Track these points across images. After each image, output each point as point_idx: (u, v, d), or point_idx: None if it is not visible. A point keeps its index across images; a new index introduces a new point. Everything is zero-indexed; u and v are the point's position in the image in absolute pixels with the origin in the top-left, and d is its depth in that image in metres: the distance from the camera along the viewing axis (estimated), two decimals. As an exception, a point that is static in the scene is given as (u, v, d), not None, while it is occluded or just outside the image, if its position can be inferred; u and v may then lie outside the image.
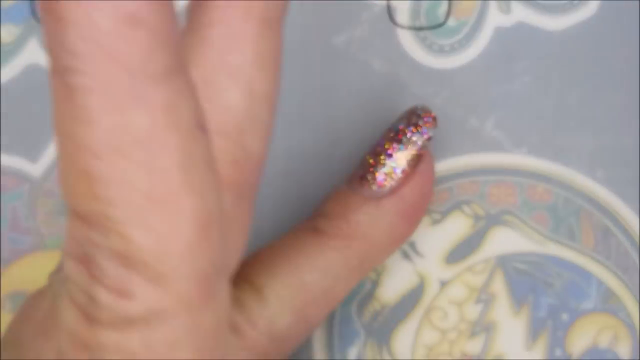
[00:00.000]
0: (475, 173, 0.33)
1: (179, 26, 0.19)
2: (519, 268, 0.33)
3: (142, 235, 0.19)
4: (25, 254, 0.34)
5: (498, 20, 0.33)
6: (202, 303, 0.20)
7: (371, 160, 0.30)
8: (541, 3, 0.33)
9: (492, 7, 0.33)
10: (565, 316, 0.33)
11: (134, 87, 0.18)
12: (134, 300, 0.19)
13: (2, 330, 0.31)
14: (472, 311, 0.33)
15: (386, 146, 0.30)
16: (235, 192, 0.23)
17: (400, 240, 0.30)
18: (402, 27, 0.33)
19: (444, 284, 0.33)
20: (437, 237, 0.33)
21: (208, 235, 0.20)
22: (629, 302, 0.33)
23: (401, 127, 0.30)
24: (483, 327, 0.33)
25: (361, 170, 0.30)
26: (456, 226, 0.33)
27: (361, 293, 0.33)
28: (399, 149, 0.30)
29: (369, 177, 0.30)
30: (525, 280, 0.33)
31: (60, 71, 0.18)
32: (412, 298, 0.33)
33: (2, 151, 0.34)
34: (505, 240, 0.33)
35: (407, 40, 0.33)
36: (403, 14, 0.33)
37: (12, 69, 0.34)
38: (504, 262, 0.33)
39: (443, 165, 0.32)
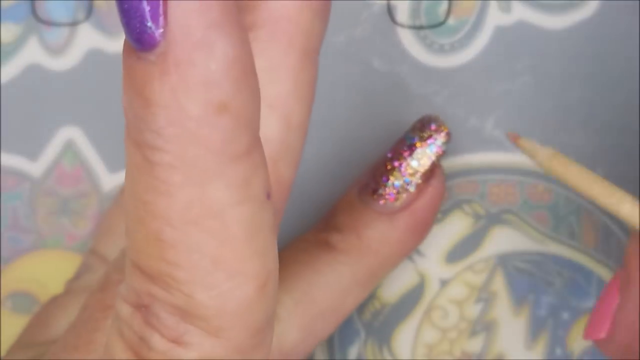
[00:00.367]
0: (476, 172, 0.33)
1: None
2: (519, 267, 0.33)
3: (204, 294, 0.20)
4: (25, 253, 0.34)
5: (498, 19, 0.33)
6: (253, 351, 0.21)
7: (384, 175, 0.30)
8: (541, 2, 0.33)
9: (492, 6, 0.33)
10: (565, 315, 0.33)
11: (214, 165, 0.19)
12: (190, 348, 0.20)
13: (3, 330, 0.31)
14: (473, 310, 0.33)
15: (399, 160, 0.30)
16: None
17: (408, 253, 0.31)
18: (402, 26, 0.33)
19: (444, 283, 0.33)
20: (437, 236, 0.33)
21: (266, 292, 0.20)
22: (629, 301, 0.33)
23: (415, 141, 0.30)
24: (483, 326, 0.33)
25: (373, 184, 0.30)
26: (456, 225, 0.33)
27: (362, 292, 0.33)
28: (412, 165, 0.30)
29: (382, 191, 0.30)
30: (526, 279, 0.33)
31: (142, 145, 0.19)
32: (412, 297, 0.33)
33: (2, 150, 0.34)
34: (505, 239, 0.33)
35: (408, 39, 0.33)
36: (403, 13, 0.33)
37: (12, 69, 0.34)
38: (505, 261, 0.33)
39: (443, 164, 0.32)
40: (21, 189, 0.34)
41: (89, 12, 0.34)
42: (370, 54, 0.33)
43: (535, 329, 0.33)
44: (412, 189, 0.30)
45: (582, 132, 0.33)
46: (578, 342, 0.32)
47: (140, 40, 0.18)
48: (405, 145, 0.30)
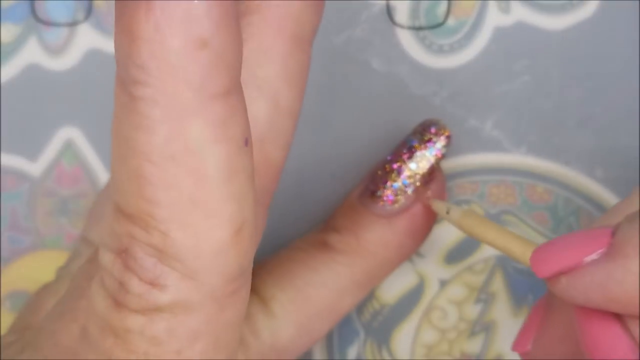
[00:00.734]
0: (475, 173, 0.33)
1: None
2: (518, 268, 0.33)
3: (181, 234, 0.21)
4: (25, 254, 0.34)
5: (497, 19, 0.33)
6: (226, 299, 0.22)
7: (383, 177, 0.30)
8: (541, 3, 0.33)
9: (492, 6, 0.33)
10: (564, 316, 0.33)
11: (193, 101, 0.20)
12: (165, 290, 0.21)
13: (2, 330, 0.31)
14: (472, 311, 0.33)
15: (399, 163, 0.30)
16: None
17: (407, 256, 0.31)
18: (402, 26, 0.33)
19: (443, 284, 0.33)
20: (436, 237, 0.33)
21: (240, 239, 0.21)
22: (629, 302, 0.33)
23: (414, 144, 0.30)
24: (483, 327, 0.33)
25: (372, 187, 0.30)
26: (456, 226, 0.33)
27: (361, 293, 0.33)
28: (411, 167, 0.30)
29: (380, 194, 0.30)
30: (525, 279, 0.33)
31: (127, 82, 0.20)
32: (411, 298, 0.33)
33: (1, 150, 0.34)
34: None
35: (407, 40, 0.33)
36: (402, 13, 0.33)
37: (11, 69, 0.34)
38: (504, 262, 0.33)
39: (442, 165, 0.32)
40: (20, 189, 0.34)
41: (89, 12, 0.34)
42: (370, 55, 0.33)
43: (534, 330, 0.33)
44: (410, 191, 0.30)
45: (581, 132, 0.33)
46: None
47: None
48: (405, 148, 0.30)
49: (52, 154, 0.34)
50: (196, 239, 0.21)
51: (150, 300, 0.21)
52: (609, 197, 0.32)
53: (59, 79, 0.34)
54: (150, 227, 0.21)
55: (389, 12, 0.33)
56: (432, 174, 0.30)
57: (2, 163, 0.34)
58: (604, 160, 0.32)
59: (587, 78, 0.32)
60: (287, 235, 0.32)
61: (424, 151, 0.30)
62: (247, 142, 0.21)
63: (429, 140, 0.30)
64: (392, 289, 0.33)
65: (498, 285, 0.33)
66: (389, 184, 0.30)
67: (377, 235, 0.30)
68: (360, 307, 0.33)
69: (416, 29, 0.33)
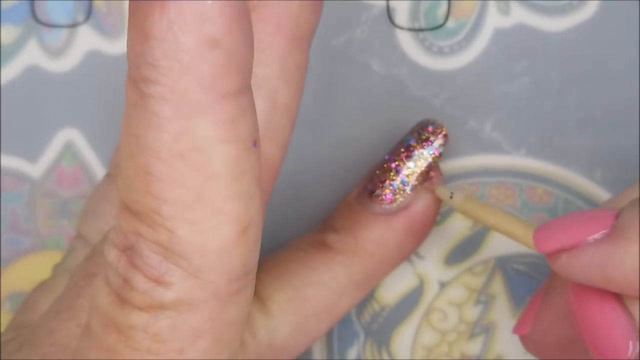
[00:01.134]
0: (475, 174, 0.33)
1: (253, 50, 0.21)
2: (518, 269, 0.33)
3: (187, 231, 0.21)
4: (25, 255, 0.34)
5: (497, 21, 0.33)
6: (230, 298, 0.22)
7: (381, 176, 0.30)
8: (540, 4, 0.33)
9: (492, 8, 0.33)
10: (564, 317, 0.33)
11: (204, 100, 0.20)
12: (170, 288, 0.21)
13: (3, 328, 0.31)
14: (472, 312, 0.33)
15: (396, 162, 0.30)
16: None
17: (406, 256, 0.31)
18: (402, 28, 0.33)
19: (443, 285, 0.33)
20: (436, 239, 0.33)
21: (246, 238, 0.21)
22: (628, 303, 0.33)
23: (412, 143, 0.30)
24: (483, 328, 0.33)
25: (371, 186, 0.30)
26: (456, 227, 0.33)
27: (361, 294, 0.33)
28: (409, 166, 0.30)
29: (379, 193, 0.30)
30: (525, 281, 0.33)
31: (138, 80, 0.20)
32: (411, 299, 0.33)
33: (2, 152, 0.34)
34: (504, 242, 0.33)
35: (407, 42, 0.33)
36: (402, 15, 0.33)
37: (11, 70, 0.34)
38: (504, 263, 0.33)
39: (442, 167, 0.32)
40: (21, 190, 0.34)
41: (89, 13, 0.34)
42: (370, 56, 0.33)
43: (534, 331, 0.33)
44: (408, 190, 0.30)
45: (581, 134, 0.33)
46: None
47: None
48: (402, 147, 0.30)
49: (52, 156, 0.34)
50: (202, 237, 0.21)
51: (155, 297, 0.21)
52: (608, 199, 0.32)
53: (58, 80, 0.34)
54: (157, 225, 0.21)
55: (389, 13, 0.33)
56: (429, 173, 0.30)
57: (2, 164, 0.34)
58: (604, 161, 0.32)
59: (587, 80, 0.32)
60: (287, 235, 0.33)
61: (421, 150, 0.30)
62: (255, 143, 0.21)
63: (427, 140, 0.30)
64: (392, 291, 0.33)
65: (498, 286, 0.33)
66: (387, 183, 0.30)
67: (375, 235, 0.30)
68: (360, 309, 0.33)
69: (416, 30, 0.33)
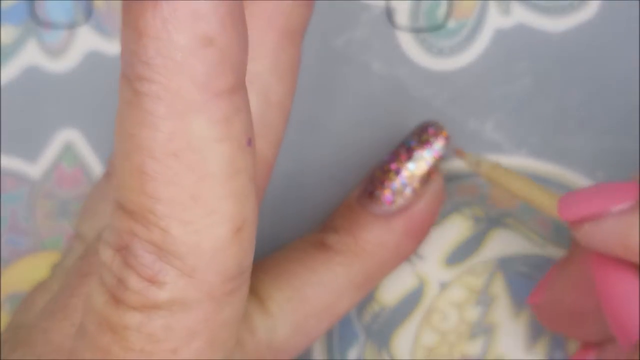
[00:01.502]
0: (475, 175, 0.33)
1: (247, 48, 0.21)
2: (519, 270, 0.33)
3: (181, 231, 0.21)
4: (24, 255, 0.34)
5: (498, 21, 0.33)
6: (224, 298, 0.22)
7: (381, 177, 0.30)
8: (541, 4, 0.33)
9: (492, 8, 0.33)
10: (565, 318, 0.33)
11: (198, 99, 0.20)
12: (164, 288, 0.21)
13: (2, 329, 0.31)
14: (472, 313, 0.33)
15: (397, 163, 0.30)
16: None
17: (406, 257, 0.31)
18: (402, 29, 0.33)
19: (443, 286, 0.33)
20: (437, 239, 0.33)
21: (241, 238, 0.21)
22: (629, 304, 0.33)
23: (413, 144, 0.30)
24: (483, 329, 0.33)
25: (371, 187, 0.30)
26: (456, 228, 0.33)
27: (361, 295, 0.33)
28: (410, 168, 0.30)
29: (379, 194, 0.30)
30: (526, 282, 0.33)
31: (131, 78, 0.20)
32: (411, 300, 0.33)
33: (1, 152, 0.34)
34: (505, 242, 0.33)
35: (407, 42, 0.33)
36: (402, 15, 0.33)
37: (11, 71, 0.34)
38: (504, 264, 0.33)
39: (443, 167, 0.32)
40: (20, 190, 0.34)
41: (89, 13, 0.34)
42: (370, 57, 0.33)
43: (535, 332, 0.33)
44: (409, 192, 0.30)
45: (582, 134, 0.32)
46: (578, 345, 0.32)
47: None
48: (403, 148, 0.30)
49: (52, 156, 0.34)
50: (196, 237, 0.21)
51: (149, 297, 0.21)
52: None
53: (58, 80, 0.34)
54: (151, 224, 0.21)
55: (389, 14, 0.33)
56: (430, 175, 0.30)
57: (2, 165, 0.34)
58: (605, 162, 0.32)
59: (588, 80, 0.32)
60: (286, 236, 0.33)
61: (422, 152, 0.30)
62: (250, 141, 0.21)
63: (427, 142, 0.30)
64: (392, 291, 0.33)
65: (498, 287, 0.33)
66: (387, 184, 0.30)
67: (375, 236, 0.30)
68: (360, 309, 0.33)
69: (416, 31, 0.33)
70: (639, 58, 0.32)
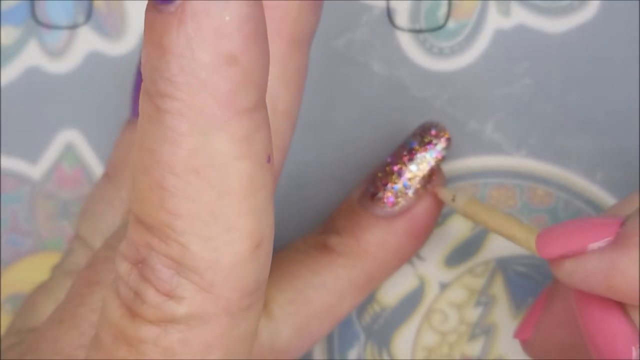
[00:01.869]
0: (475, 176, 0.33)
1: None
2: (519, 270, 0.33)
3: (200, 247, 0.21)
4: (25, 256, 0.34)
5: (498, 22, 0.33)
6: (240, 313, 0.22)
7: (383, 179, 0.30)
8: (541, 5, 0.33)
9: (492, 9, 0.33)
10: (565, 318, 0.33)
11: (220, 116, 0.20)
12: (181, 302, 0.21)
13: (3, 332, 0.31)
14: (472, 313, 0.33)
15: (399, 165, 0.30)
16: None
17: (407, 258, 0.31)
18: (402, 29, 0.33)
19: (443, 287, 0.33)
20: (437, 240, 0.33)
21: (258, 254, 0.21)
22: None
23: (415, 146, 0.30)
24: (483, 330, 0.33)
25: (373, 188, 0.30)
26: (456, 229, 0.33)
27: (361, 295, 0.33)
28: (412, 169, 0.30)
29: (381, 196, 0.30)
30: (526, 282, 0.33)
31: (153, 95, 0.20)
32: (412, 300, 0.33)
33: (2, 153, 0.34)
34: (505, 243, 0.33)
35: (407, 43, 0.33)
36: (403, 16, 0.33)
37: (11, 72, 0.34)
38: (504, 265, 0.33)
39: (443, 168, 0.32)
40: (21, 191, 0.34)
41: (89, 14, 0.34)
42: (370, 58, 0.33)
43: (534, 332, 0.33)
44: (410, 193, 0.30)
45: (581, 135, 0.32)
46: None
47: None
48: (405, 150, 0.30)
49: (53, 157, 0.34)
50: (215, 253, 0.21)
51: (166, 311, 0.21)
52: (609, 200, 0.32)
53: (59, 81, 0.34)
54: (170, 239, 0.21)
55: (389, 14, 0.33)
56: (432, 176, 0.30)
57: (2, 165, 0.34)
58: (605, 163, 0.32)
59: (588, 81, 0.32)
60: (288, 237, 0.32)
61: (424, 153, 0.30)
62: (269, 159, 0.21)
63: (429, 143, 0.30)
64: (393, 292, 0.33)
65: (498, 288, 0.33)
66: (389, 185, 0.30)
67: (377, 237, 0.30)
68: (360, 310, 0.33)
69: (416, 31, 0.33)
70: (639, 58, 0.32)
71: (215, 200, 0.20)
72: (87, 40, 0.34)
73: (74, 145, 0.34)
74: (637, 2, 0.32)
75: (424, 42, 0.33)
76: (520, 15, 0.33)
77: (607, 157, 0.32)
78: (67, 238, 0.34)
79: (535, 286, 0.33)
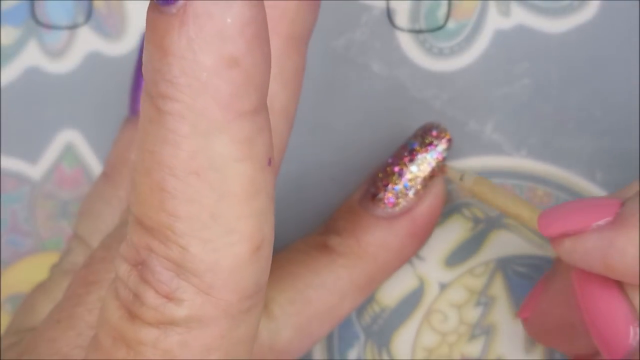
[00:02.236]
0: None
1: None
2: (519, 271, 0.33)
3: (200, 249, 0.21)
4: (25, 256, 0.34)
5: (498, 22, 0.33)
6: (240, 316, 0.22)
7: (384, 180, 0.30)
8: (541, 5, 0.33)
9: (492, 9, 0.33)
10: (564, 319, 0.33)
11: (221, 119, 0.20)
12: (181, 305, 0.21)
13: (2, 330, 0.31)
14: (472, 314, 0.33)
15: (400, 166, 0.30)
16: None
17: (408, 258, 0.31)
18: (402, 29, 0.33)
19: (443, 287, 0.33)
20: (437, 240, 0.33)
21: (258, 257, 0.21)
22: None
23: (415, 147, 0.30)
24: (483, 330, 0.33)
25: (373, 189, 0.30)
26: (456, 229, 0.33)
27: (361, 295, 0.33)
28: (412, 170, 0.30)
29: (382, 196, 0.30)
30: (526, 282, 0.33)
31: (155, 96, 0.20)
32: (412, 301, 0.33)
33: (2, 153, 0.34)
34: (505, 243, 0.33)
35: (407, 43, 0.33)
36: (403, 16, 0.33)
37: (11, 72, 0.34)
38: (504, 265, 0.33)
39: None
40: (21, 191, 0.34)
41: (89, 15, 0.34)
42: (370, 58, 0.33)
43: (534, 333, 0.33)
44: (411, 194, 0.30)
45: (581, 135, 0.32)
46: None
47: None
48: (406, 150, 0.30)
49: (52, 157, 0.34)
50: (215, 255, 0.21)
51: (166, 313, 0.21)
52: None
53: (58, 81, 0.34)
54: (170, 241, 0.21)
55: (389, 15, 0.33)
56: (433, 177, 0.30)
57: (2, 165, 0.34)
58: (604, 163, 0.32)
59: (587, 81, 0.32)
60: (288, 237, 0.33)
61: (425, 154, 0.30)
62: (270, 161, 0.21)
63: (430, 144, 0.30)
64: (393, 292, 0.33)
65: (498, 288, 0.33)
66: (390, 186, 0.30)
67: (377, 238, 0.30)
68: (360, 310, 0.33)
69: (416, 32, 0.33)
70: (638, 58, 0.32)
71: (215, 202, 0.20)
72: (87, 41, 0.34)
73: (74, 145, 0.34)
74: (637, 2, 0.32)
75: (423, 43, 0.33)
76: (520, 16, 0.33)
77: (606, 157, 0.32)
78: (66, 238, 0.34)
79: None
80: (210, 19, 0.19)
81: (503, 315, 0.33)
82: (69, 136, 0.34)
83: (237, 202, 0.21)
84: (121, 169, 0.31)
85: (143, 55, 0.20)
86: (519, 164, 0.33)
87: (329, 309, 0.30)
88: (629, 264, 0.24)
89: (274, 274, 0.29)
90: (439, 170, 0.30)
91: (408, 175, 0.30)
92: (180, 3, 0.19)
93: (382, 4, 0.33)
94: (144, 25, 0.31)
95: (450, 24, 0.33)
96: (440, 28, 0.33)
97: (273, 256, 0.31)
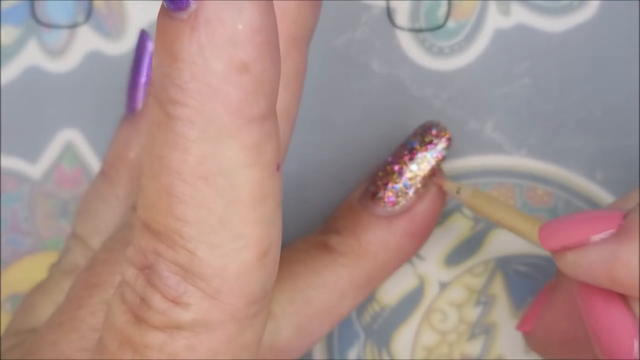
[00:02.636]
0: (475, 175, 0.33)
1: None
2: (518, 270, 0.33)
3: (208, 253, 0.21)
4: (25, 255, 0.34)
5: (498, 22, 0.33)
6: (246, 320, 0.22)
7: (384, 178, 0.30)
8: (541, 4, 0.33)
9: (492, 8, 0.33)
10: (564, 318, 0.33)
11: (230, 124, 0.20)
12: (188, 309, 0.21)
13: (2, 330, 0.31)
14: (472, 313, 0.33)
15: (399, 165, 0.30)
16: None
17: (408, 258, 0.31)
18: (402, 29, 0.33)
19: (443, 286, 0.33)
20: (437, 239, 0.33)
21: (266, 262, 0.21)
22: (629, 304, 0.33)
23: (415, 145, 0.30)
24: (483, 329, 0.33)
25: (373, 188, 0.30)
26: (456, 228, 0.33)
27: (361, 295, 0.33)
28: (412, 169, 0.30)
29: (381, 195, 0.30)
30: (525, 282, 0.33)
31: (164, 101, 0.20)
32: (411, 300, 0.33)
33: (2, 152, 0.34)
34: (505, 242, 0.33)
35: (407, 42, 0.33)
36: (403, 15, 0.33)
37: (11, 71, 0.34)
38: (504, 264, 0.33)
39: (443, 168, 0.32)
40: (21, 191, 0.34)
41: (89, 14, 0.34)
42: (370, 57, 0.33)
43: (534, 332, 0.33)
44: (411, 193, 0.30)
45: (581, 135, 0.32)
46: None
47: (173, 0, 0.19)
48: (406, 149, 0.30)
49: (52, 156, 0.34)
50: (223, 260, 0.21)
51: (172, 317, 0.21)
52: (609, 199, 0.32)
53: (59, 81, 0.34)
54: (177, 245, 0.21)
55: (389, 14, 0.33)
56: (432, 176, 0.30)
57: (2, 165, 0.34)
58: (604, 162, 0.32)
59: (587, 80, 0.32)
60: (288, 236, 0.32)
61: (425, 153, 0.30)
62: (278, 167, 0.21)
63: (430, 142, 0.30)
64: (393, 291, 0.33)
65: (498, 287, 0.33)
66: (390, 185, 0.30)
67: (377, 237, 0.30)
68: (360, 309, 0.33)
69: (416, 31, 0.33)
70: (638, 58, 0.32)
71: (223, 207, 0.20)
72: (87, 40, 0.34)
73: (74, 144, 0.34)
74: (637, 2, 0.32)
75: (423, 42, 0.33)
76: (520, 15, 0.33)
77: (607, 157, 0.32)
78: (66, 237, 0.34)
79: (535, 286, 0.33)
80: (221, 25, 0.19)
81: (503, 315, 0.33)
82: (69, 135, 0.34)
83: (245, 208, 0.21)
84: (119, 167, 0.31)
85: (153, 60, 0.20)
86: (519, 163, 0.33)
87: (329, 308, 0.30)
88: (634, 276, 0.24)
89: None
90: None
91: (408, 174, 0.30)
92: (191, 9, 0.19)
93: (382, 3, 0.33)
94: (143, 25, 0.31)
95: (450, 23, 0.33)
96: (440, 27, 0.33)
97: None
